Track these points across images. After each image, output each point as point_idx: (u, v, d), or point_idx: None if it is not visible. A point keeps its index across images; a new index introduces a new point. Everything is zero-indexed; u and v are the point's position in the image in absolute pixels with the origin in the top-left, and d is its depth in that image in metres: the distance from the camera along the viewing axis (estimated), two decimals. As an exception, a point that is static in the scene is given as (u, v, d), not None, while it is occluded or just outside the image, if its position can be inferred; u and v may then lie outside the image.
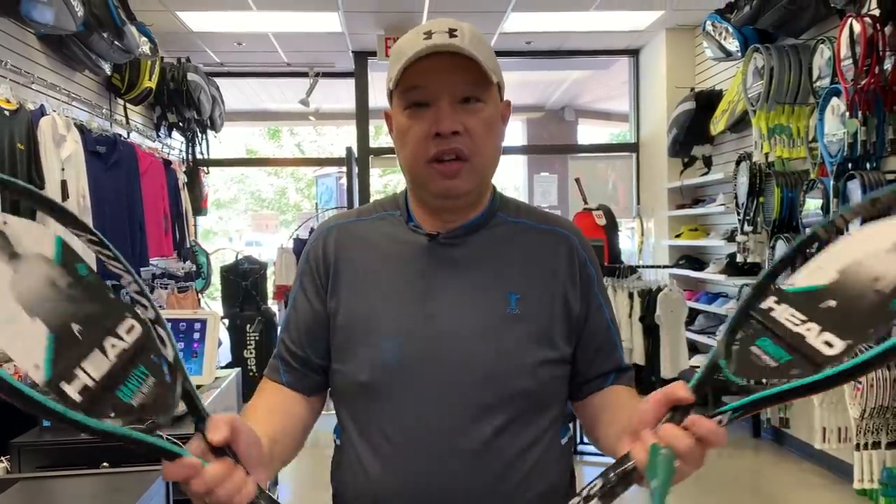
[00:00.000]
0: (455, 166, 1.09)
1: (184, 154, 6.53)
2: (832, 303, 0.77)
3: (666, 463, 0.79)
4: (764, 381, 0.78)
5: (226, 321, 6.22)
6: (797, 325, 0.78)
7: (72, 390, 0.71)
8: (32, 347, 0.70)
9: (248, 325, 6.28)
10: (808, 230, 0.86)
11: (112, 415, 0.73)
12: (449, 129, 1.07)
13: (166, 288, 5.53)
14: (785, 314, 0.80)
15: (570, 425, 1.25)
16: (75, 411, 0.70)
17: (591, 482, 0.86)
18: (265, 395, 1.18)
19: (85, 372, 0.73)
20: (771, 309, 0.82)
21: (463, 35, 1.07)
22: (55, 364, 0.71)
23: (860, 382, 3.48)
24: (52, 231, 0.76)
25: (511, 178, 9.94)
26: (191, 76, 5.88)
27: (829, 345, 0.75)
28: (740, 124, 5.20)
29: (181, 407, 0.79)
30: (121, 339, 0.77)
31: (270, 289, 6.71)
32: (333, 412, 1.22)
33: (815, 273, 0.80)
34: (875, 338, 0.72)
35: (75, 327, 0.74)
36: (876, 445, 3.53)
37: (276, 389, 1.19)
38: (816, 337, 0.76)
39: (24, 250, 0.72)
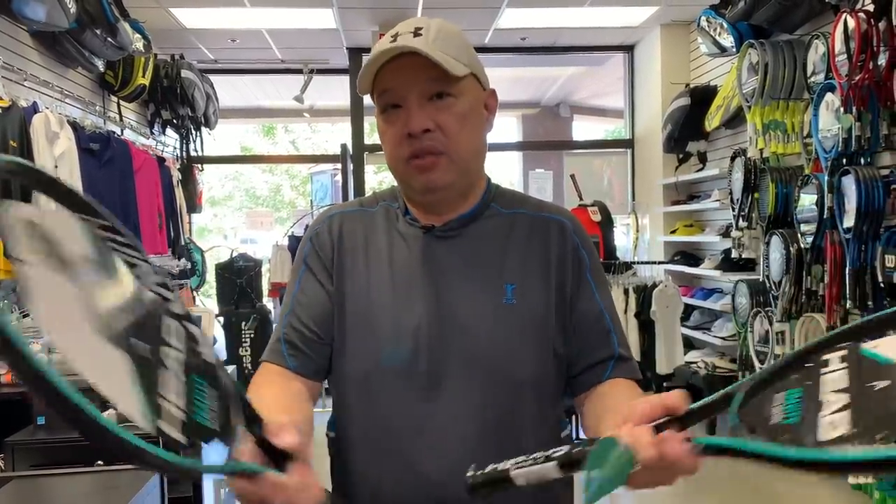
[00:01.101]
0: (430, 161, 1.10)
1: (178, 151, 6.51)
2: (884, 383, 0.67)
3: (619, 461, 0.74)
4: (754, 432, 0.72)
5: (221, 319, 6.20)
6: (831, 391, 0.70)
7: (170, 429, 0.59)
8: (123, 388, 0.57)
9: (244, 323, 6.26)
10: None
11: (208, 449, 0.63)
12: (419, 129, 1.08)
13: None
14: (832, 377, 0.72)
15: (569, 420, 1.24)
16: (194, 458, 0.59)
17: (557, 448, 0.83)
18: (273, 381, 1.14)
19: (169, 401, 0.60)
20: (826, 364, 0.74)
21: (428, 33, 1.08)
22: (149, 404, 0.58)
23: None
24: (76, 223, 0.62)
25: (506, 174, 9.94)
26: (185, 73, 5.86)
27: (833, 426, 0.67)
28: (735, 120, 5.20)
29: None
30: (172, 347, 0.65)
31: (265, 286, 6.70)
32: (325, 410, 1.21)
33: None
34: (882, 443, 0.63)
35: (141, 347, 0.60)
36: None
37: (281, 375, 1.14)
38: (830, 415, 0.68)
39: (68, 255, 0.57)
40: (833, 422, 0.66)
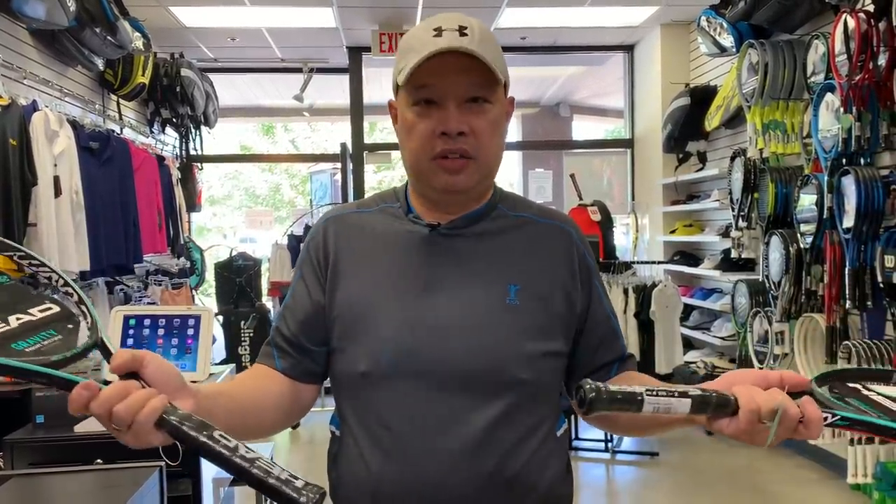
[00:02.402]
0: (460, 163, 1.11)
1: (177, 150, 6.51)
2: None
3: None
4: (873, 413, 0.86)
5: (220, 318, 6.20)
6: (894, 407, 0.87)
7: None
8: None
9: (243, 322, 6.26)
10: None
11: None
12: (455, 130, 1.09)
13: (160, 284, 5.51)
14: (876, 397, 0.90)
15: (566, 419, 1.25)
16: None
17: (687, 387, 0.87)
18: (246, 373, 1.22)
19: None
20: (859, 389, 0.92)
21: (473, 33, 1.08)
22: None
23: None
24: None
25: (506, 173, 9.93)
26: (184, 72, 5.86)
27: None
28: (735, 120, 5.20)
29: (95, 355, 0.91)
30: (29, 315, 0.93)
31: (265, 285, 6.69)
32: (325, 409, 1.21)
33: None
34: None
35: None
36: (870, 440, 3.55)
37: (263, 370, 1.20)
38: None
39: None
40: None
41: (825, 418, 0.85)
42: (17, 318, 0.92)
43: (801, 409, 0.86)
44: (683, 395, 0.85)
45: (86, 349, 0.91)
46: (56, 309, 0.96)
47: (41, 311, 0.95)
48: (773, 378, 0.90)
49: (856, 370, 0.97)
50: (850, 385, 0.92)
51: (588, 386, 0.84)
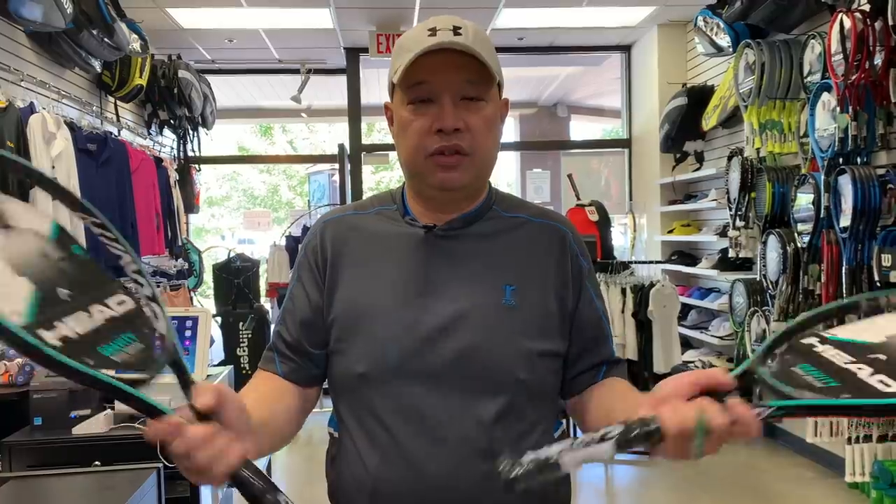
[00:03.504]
0: (455, 160, 1.12)
1: (175, 151, 6.50)
2: (882, 356, 0.80)
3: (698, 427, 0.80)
4: (800, 392, 0.79)
5: (218, 319, 6.20)
6: (846, 363, 0.81)
7: (50, 336, 0.73)
8: (15, 300, 0.73)
9: (241, 323, 6.26)
10: (850, 299, 0.91)
11: (91, 363, 0.74)
12: (451, 126, 1.09)
13: (158, 286, 5.51)
14: (830, 352, 0.84)
15: (563, 420, 1.25)
16: (55, 351, 0.72)
17: (608, 429, 0.83)
18: (257, 384, 1.20)
19: (67, 325, 0.75)
20: (813, 346, 0.86)
21: (467, 33, 1.09)
22: (36, 315, 0.73)
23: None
24: (50, 216, 0.84)
25: (504, 173, 9.93)
26: (182, 73, 5.86)
27: (885, 384, 0.76)
28: (732, 120, 5.21)
29: (169, 378, 0.83)
30: (108, 307, 0.82)
31: (263, 286, 6.69)
32: (324, 409, 1.22)
33: (862, 332, 0.84)
34: None
35: (62, 291, 0.78)
36: (867, 439, 3.55)
37: (270, 378, 1.20)
38: (870, 376, 0.78)
39: (17, 224, 0.79)
40: (882, 380, 0.76)
41: (759, 413, 0.80)
42: (100, 311, 0.81)
43: (729, 413, 0.81)
44: (605, 438, 0.81)
45: (163, 367, 0.83)
46: (131, 305, 0.85)
47: (118, 303, 0.84)
48: (702, 381, 0.85)
49: (821, 313, 0.91)
50: (806, 341, 0.87)
51: (502, 466, 0.81)
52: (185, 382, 0.84)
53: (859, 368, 0.79)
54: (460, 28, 1.09)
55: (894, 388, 0.75)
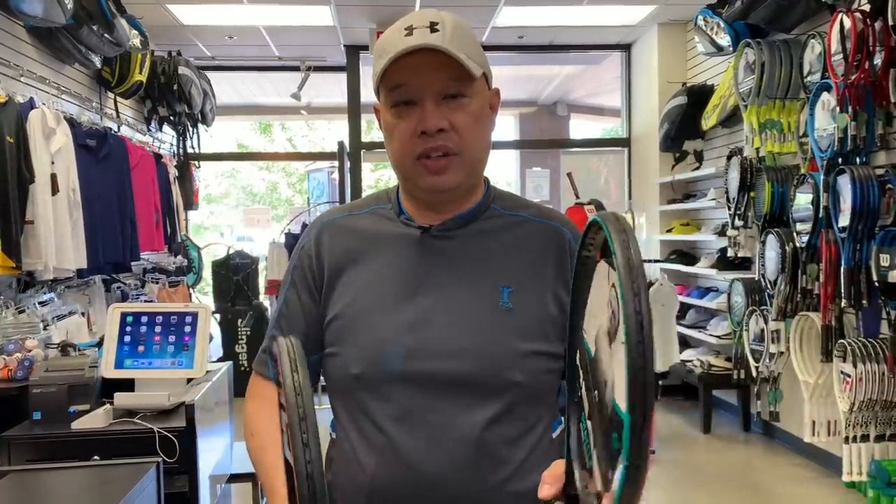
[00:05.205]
0: (442, 162, 1.10)
1: (175, 148, 6.50)
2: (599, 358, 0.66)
3: None
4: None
5: (217, 316, 6.20)
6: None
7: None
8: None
9: (240, 320, 6.27)
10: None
11: None
12: (434, 128, 1.08)
13: (157, 282, 5.51)
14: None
15: (563, 418, 1.25)
16: None
17: None
18: (264, 404, 1.18)
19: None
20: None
21: (444, 29, 1.06)
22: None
23: (849, 376, 3.50)
24: None
25: (503, 172, 9.93)
26: (182, 70, 5.86)
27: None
28: (731, 119, 5.21)
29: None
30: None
31: (262, 283, 6.70)
32: (322, 407, 1.22)
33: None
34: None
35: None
36: (865, 438, 3.56)
37: (266, 386, 1.20)
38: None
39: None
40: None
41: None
42: None
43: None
44: None
45: None
46: None
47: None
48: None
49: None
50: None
51: None
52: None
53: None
54: (438, 23, 1.06)
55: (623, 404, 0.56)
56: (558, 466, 0.79)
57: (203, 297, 7.63)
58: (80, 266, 3.88)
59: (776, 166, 4.48)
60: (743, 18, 4.55)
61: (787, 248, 4.13)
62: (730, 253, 4.87)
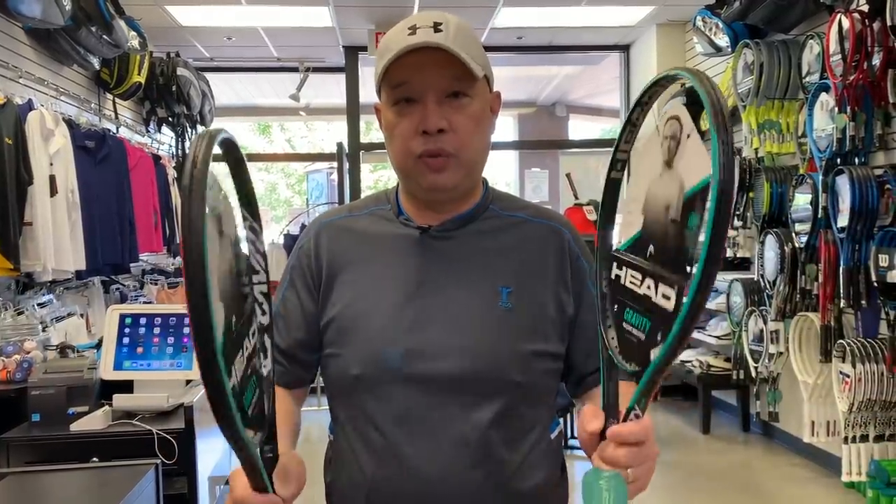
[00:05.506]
0: (441, 161, 1.10)
1: (173, 149, 6.50)
2: (652, 248, 0.76)
3: (612, 483, 0.80)
4: (643, 360, 0.76)
5: (216, 317, 6.19)
6: (639, 286, 0.77)
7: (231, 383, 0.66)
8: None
9: (239, 321, 6.24)
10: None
11: (241, 422, 0.67)
12: (435, 127, 1.08)
13: (156, 284, 5.51)
14: (629, 278, 0.80)
15: (560, 419, 1.25)
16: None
17: None
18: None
19: (235, 373, 0.67)
20: (618, 277, 0.82)
21: (448, 29, 1.07)
22: (225, 359, 0.64)
23: (848, 376, 3.50)
24: (239, 217, 0.78)
25: (502, 173, 9.93)
26: (180, 71, 5.85)
27: (667, 298, 0.72)
28: (730, 119, 5.21)
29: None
30: (250, 341, 0.73)
31: (261, 284, 6.67)
32: (321, 408, 1.22)
33: (629, 225, 0.80)
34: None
35: (234, 321, 0.69)
36: (864, 439, 3.56)
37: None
38: (657, 295, 0.74)
39: (226, 230, 0.71)
40: (664, 294, 0.73)
41: (636, 416, 0.80)
42: (245, 347, 0.72)
43: (616, 444, 0.83)
44: None
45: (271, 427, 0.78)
46: (257, 335, 0.76)
47: (252, 335, 0.74)
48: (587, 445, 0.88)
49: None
50: (616, 274, 0.83)
51: None
52: (272, 446, 0.82)
53: (649, 288, 0.75)
54: (441, 24, 1.07)
55: (673, 299, 0.71)
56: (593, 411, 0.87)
57: (202, 299, 7.62)
58: (79, 267, 3.88)
59: (775, 167, 4.49)
60: (741, 19, 4.55)
61: (785, 248, 4.13)
62: (729, 253, 4.87)
